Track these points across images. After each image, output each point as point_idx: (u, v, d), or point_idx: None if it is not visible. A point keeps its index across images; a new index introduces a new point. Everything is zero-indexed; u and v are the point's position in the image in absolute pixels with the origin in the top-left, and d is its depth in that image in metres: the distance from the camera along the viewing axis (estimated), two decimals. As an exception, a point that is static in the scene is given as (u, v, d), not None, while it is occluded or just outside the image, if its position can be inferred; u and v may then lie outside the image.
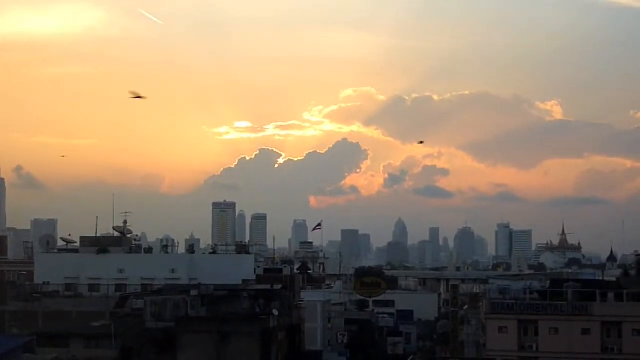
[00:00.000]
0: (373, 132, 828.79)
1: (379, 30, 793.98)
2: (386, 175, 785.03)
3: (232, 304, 60.18)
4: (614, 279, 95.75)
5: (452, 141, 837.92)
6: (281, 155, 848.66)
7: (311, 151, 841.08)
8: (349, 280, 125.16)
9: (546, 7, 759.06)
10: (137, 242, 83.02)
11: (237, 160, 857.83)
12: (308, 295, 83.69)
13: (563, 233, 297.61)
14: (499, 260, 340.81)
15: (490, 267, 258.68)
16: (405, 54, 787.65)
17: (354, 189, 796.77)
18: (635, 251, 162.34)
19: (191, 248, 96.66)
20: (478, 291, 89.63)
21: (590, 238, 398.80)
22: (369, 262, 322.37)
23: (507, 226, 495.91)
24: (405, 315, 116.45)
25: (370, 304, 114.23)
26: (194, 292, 60.66)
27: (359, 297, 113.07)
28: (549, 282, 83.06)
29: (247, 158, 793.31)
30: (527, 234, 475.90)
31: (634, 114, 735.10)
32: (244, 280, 72.70)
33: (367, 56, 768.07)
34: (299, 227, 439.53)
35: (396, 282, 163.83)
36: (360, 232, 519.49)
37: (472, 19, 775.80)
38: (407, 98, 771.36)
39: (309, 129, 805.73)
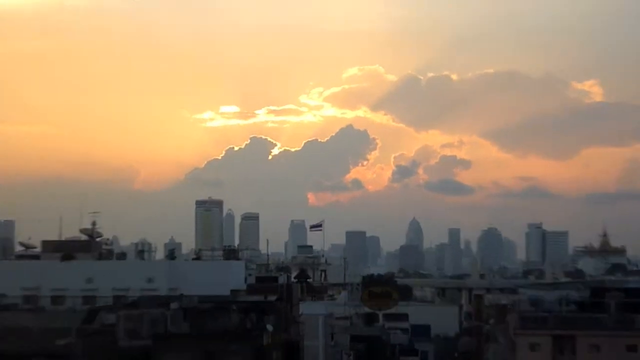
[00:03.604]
0: (382, 118, 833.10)
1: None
2: (397, 168, 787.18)
3: (219, 319, 60.15)
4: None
5: (474, 128, 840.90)
6: (275, 145, 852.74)
7: (310, 140, 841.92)
8: (355, 290, 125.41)
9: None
10: (107, 247, 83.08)
11: (223, 151, 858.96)
12: (308, 308, 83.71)
13: (604, 234, 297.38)
14: (530, 267, 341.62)
15: (520, 275, 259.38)
16: (420, 25, 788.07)
17: (360, 184, 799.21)
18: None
19: (171, 253, 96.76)
20: (506, 302, 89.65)
21: (636, 240, 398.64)
22: (378, 268, 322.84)
23: (539, 227, 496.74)
24: (421, 331, 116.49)
25: (380, 317, 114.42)
26: (174, 305, 60.65)
27: (367, 309, 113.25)
28: (588, 291, 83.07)
29: (236, 148, 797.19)
30: (563, 235, 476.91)
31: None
32: (232, 291, 72.79)
33: (374, 29, 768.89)
34: (297, 228, 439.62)
35: (410, 292, 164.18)
36: (367, 234, 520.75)
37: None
38: (421, 78, 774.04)
39: (307, 115, 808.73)
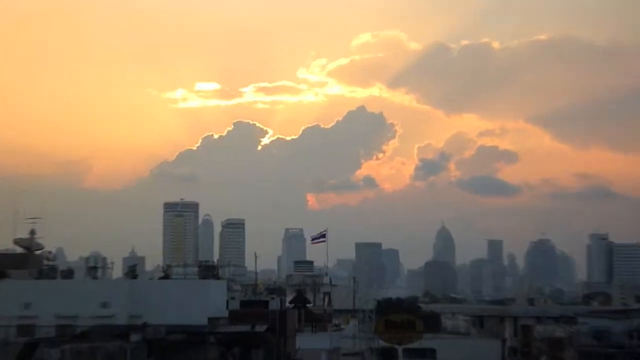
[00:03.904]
0: (402, 98, 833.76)
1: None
2: (422, 162, 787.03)
3: (193, 354, 60.29)
4: None
5: (520, 111, 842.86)
6: (266, 133, 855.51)
7: (310, 126, 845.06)
8: (367, 319, 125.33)
9: None
10: (50, 262, 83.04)
11: (199, 140, 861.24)
12: (307, 341, 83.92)
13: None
14: (592, 289, 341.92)
15: (580, 299, 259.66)
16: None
17: (373, 183, 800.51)
18: None
19: (132, 270, 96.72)
20: (562, 335, 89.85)
21: None
22: (398, 291, 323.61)
23: (604, 238, 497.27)
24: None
25: (400, 353, 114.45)
26: (136, 337, 60.75)
27: (383, 343, 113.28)
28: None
29: (216, 136, 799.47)
30: (634, 249, 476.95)
31: None
32: (210, 319, 72.84)
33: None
34: (293, 239, 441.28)
35: (438, 322, 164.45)
36: (383, 247, 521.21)
37: None
38: (453, 46, 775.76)
39: (306, 93, 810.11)
